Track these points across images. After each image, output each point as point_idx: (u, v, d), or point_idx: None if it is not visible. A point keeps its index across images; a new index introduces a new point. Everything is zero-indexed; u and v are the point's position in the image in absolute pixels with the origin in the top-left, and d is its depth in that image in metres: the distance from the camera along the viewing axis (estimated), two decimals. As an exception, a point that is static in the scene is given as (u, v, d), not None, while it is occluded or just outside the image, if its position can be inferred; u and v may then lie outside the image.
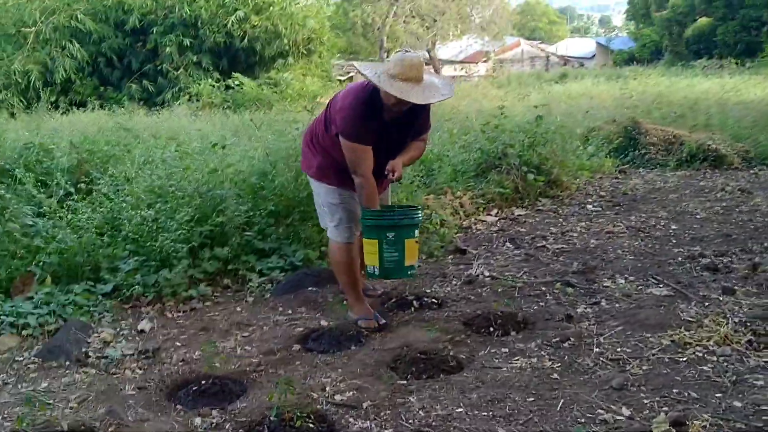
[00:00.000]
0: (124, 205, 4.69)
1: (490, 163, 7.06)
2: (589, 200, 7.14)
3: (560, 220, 6.30)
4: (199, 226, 4.66)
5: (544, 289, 4.36)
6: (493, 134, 7.39)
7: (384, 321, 3.86)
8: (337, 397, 3.06)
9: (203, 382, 3.20)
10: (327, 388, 3.14)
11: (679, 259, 4.92)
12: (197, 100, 15.41)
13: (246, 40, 18.11)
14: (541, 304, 4.11)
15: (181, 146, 5.90)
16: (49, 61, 17.74)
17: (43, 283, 4.26)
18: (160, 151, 5.59)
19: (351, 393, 3.09)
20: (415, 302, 4.18)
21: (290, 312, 4.17)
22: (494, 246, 5.48)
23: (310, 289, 4.44)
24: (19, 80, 17.15)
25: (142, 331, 3.93)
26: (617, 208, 6.74)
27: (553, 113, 10.46)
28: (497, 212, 6.46)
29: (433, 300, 4.25)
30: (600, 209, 6.70)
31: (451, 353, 3.47)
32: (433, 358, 3.40)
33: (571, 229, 5.91)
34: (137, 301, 4.36)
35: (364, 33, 32.96)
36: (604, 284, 4.42)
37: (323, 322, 3.95)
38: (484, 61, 38.35)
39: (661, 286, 4.35)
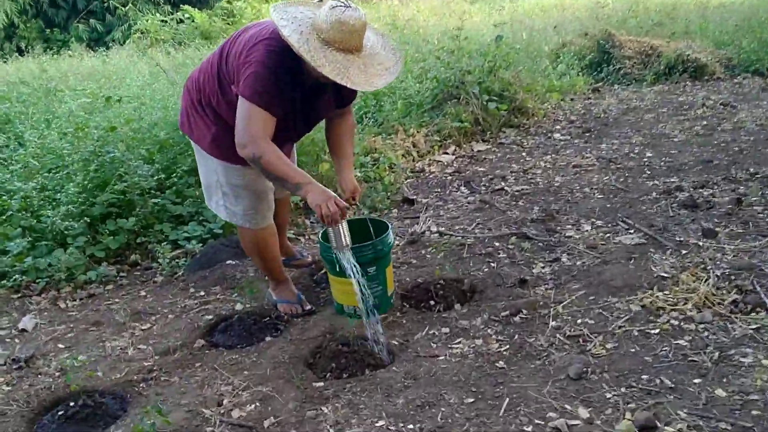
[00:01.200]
0: (9, 176, 4.01)
1: (447, 93, 6.36)
2: (557, 128, 6.48)
3: (523, 154, 5.67)
4: (97, 195, 4.00)
5: (497, 245, 3.77)
6: (451, 59, 6.65)
7: (309, 306, 3.26)
8: (235, 413, 2.50)
9: (73, 402, 2.63)
10: (225, 401, 2.58)
11: (654, 194, 4.33)
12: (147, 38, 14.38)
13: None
14: (492, 265, 3.53)
15: (95, 97, 5.15)
16: (-11, 5, 16.59)
17: None
18: (66, 106, 4.84)
19: (253, 406, 2.53)
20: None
21: (203, 294, 3.57)
22: (447, 192, 4.85)
23: (228, 262, 3.83)
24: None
25: (24, 330, 3.33)
26: (587, 135, 6.09)
27: (521, 30, 9.69)
28: (455, 150, 5.81)
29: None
30: (568, 138, 6.05)
31: (381, 340, 2.90)
32: (357, 349, 2.82)
33: (535, 164, 5.28)
34: (27, 289, 3.75)
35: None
36: (567, 233, 3.84)
37: (238, 306, 3.36)
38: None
39: (631, 231, 3.78)
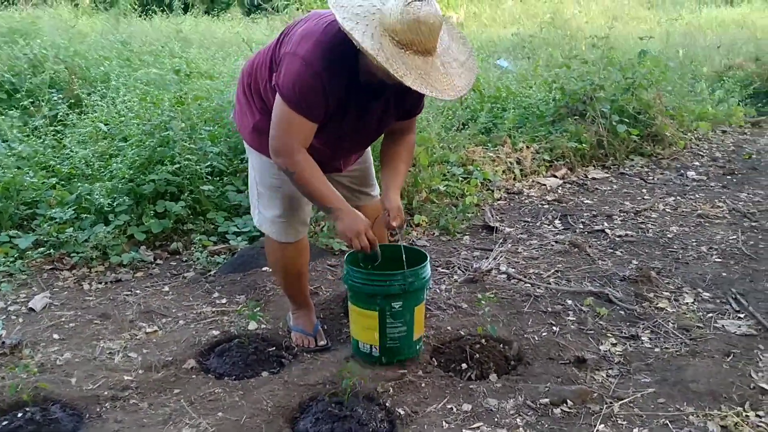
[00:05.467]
0: (68, 140, 3.84)
1: (572, 108, 5.66)
2: (695, 164, 5.61)
3: (643, 190, 4.90)
4: (151, 172, 3.75)
5: (569, 303, 3.16)
6: (585, 70, 5.94)
7: (323, 342, 2.82)
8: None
9: (27, 410, 2.34)
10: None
11: (787, 270, 3.53)
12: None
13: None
14: (554, 329, 2.93)
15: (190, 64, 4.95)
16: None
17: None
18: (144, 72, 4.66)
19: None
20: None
21: (224, 301, 3.22)
22: (537, 223, 4.23)
23: (265, 269, 3.46)
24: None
25: (32, 310, 3.12)
26: (728, 178, 5.21)
27: (681, 44, 8.68)
28: (565, 174, 5.14)
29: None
30: (704, 178, 5.20)
31: (386, 404, 2.42)
32: (353, 414, 2.34)
33: (652, 205, 4.52)
34: (60, 262, 3.56)
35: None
36: (659, 304, 3.16)
37: (252, 325, 2.96)
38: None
39: (741, 315, 3.05)
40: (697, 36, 10.89)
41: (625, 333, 2.89)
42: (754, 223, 4.19)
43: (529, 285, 3.33)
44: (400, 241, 2.63)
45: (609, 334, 2.88)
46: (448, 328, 2.93)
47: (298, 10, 14.04)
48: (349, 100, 2.36)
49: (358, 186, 2.86)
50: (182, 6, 16.96)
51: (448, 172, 4.51)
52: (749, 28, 11.79)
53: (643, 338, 2.86)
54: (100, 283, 3.41)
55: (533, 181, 4.94)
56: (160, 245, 3.80)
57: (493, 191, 4.65)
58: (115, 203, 3.61)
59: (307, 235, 2.80)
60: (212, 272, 3.51)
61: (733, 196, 4.75)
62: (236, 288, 3.34)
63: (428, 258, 2.66)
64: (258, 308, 3.11)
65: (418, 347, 2.70)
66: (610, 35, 7.03)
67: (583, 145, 5.30)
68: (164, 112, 3.87)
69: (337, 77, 2.26)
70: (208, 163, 3.82)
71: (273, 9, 16.04)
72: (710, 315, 3.06)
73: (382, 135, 2.67)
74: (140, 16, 13.75)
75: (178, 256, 3.72)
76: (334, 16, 2.21)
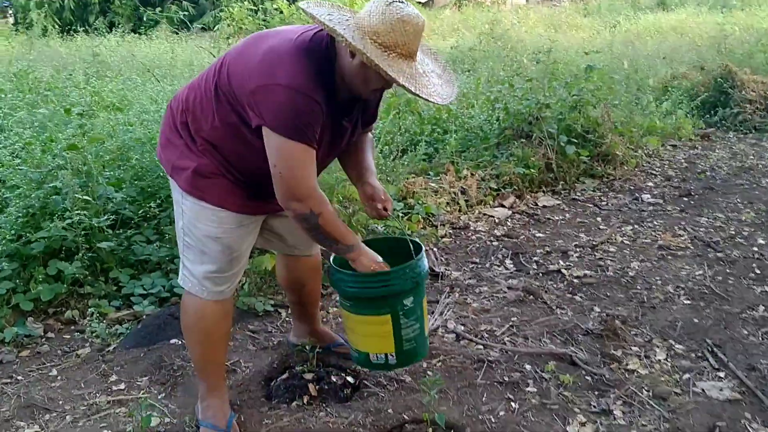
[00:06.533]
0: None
1: (518, 129, 5.29)
2: (649, 184, 5.29)
3: (598, 219, 4.54)
4: (40, 228, 3.21)
5: (528, 368, 2.73)
6: (528, 87, 5.58)
7: (239, 438, 2.35)
8: None
9: None
10: None
11: (762, 310, 3.19)
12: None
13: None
14: (513, 405, 2.50)
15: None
16: (85, -22, 16.56)
17: None
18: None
19: None
20: (312, 383, 2.63)
21: (122, 387, 2.69)
22: (487, 265, 3.81)
23: (173, 341, 2.95)
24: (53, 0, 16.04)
25: None
26: (685, 201, 4.89)
27: (624, 55, 8.45)
28: (513, 202, 4.74)
29: (347, 379, 2.69)
30: (660, 201, 4.87)
31: None
32: None
33: (609, 237, 4.15)
34: (-72, 343, 2.99)
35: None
36: (629, 364, 2.76)
37: (154, 420, 2.45)
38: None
39: (722, 374, 2.68)
40: (638, 44, 10.72)
41: (594, 406, 2.48)
42: (719, 254, 3.86)
43: (482, 347, 2.90)
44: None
45: (576, 409, 2.47)
46: (389, 411, 2.47)
47: (229, 26, 13.54)
48: (327, 120, 2.08)
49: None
50: (108, 24, 16.29)
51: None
52: (688, 34, 11.71)
53: (615, 413, 2.45)
54: (-26, 367, 2.86)
55: (480, 213, 4.53)
56: (54, 313, 3.25)
57: (437, 227, 4.22)
58: (-6, 268, 3.05)
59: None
60: (111, 347, 2.97)
61: (693, 222, 4.42)
62: (138, 368, 2.81)
63: (422, 246, 2.43)
64: (163, 394, 2.62)
65: (428, 343, 2.52)
66: (552, 48, 6.73)
67: (531, 170, 4.93)
68: (54, 158, 3.33)
69: (326, 95, 2.03)
70: (107, 215, 3.28)
71: (204, 27, 15.51)
72: (687, 376, 2.67)
73: None
74: (61, 36, 13.05)
75: (74, 326, 3.17)
76: (282, 35, 2.08)
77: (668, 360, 2.81)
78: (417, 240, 2.47)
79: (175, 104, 2.27)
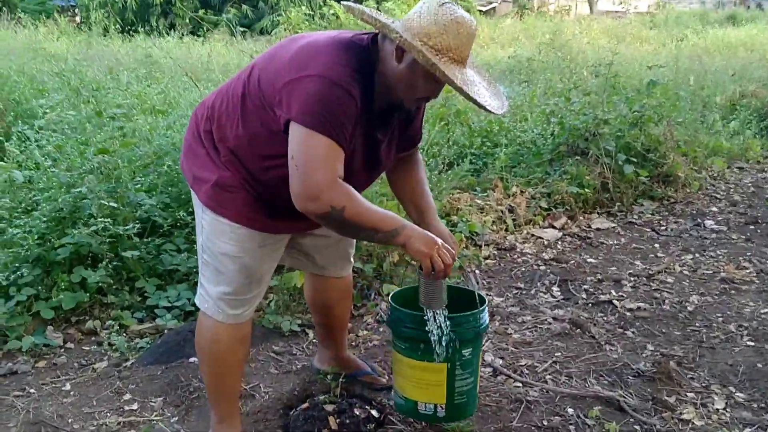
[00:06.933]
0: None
1: (573, 146, 5.02)
2: (713, 209, 4.95)
3: (656, 245, 4.24)
4: (65, 235, 3.11)
5: (570, 413, 2.49)
6: (585, 101, 5.31)
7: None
8: None
9: None
10: None
11: (839, 359, 2.87)
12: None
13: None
14: (550, 455, 2.26)
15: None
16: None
17: None
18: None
19: None
20: (333, 416, 2.44)
21: (135, 407, 2.55)
22: (532, 291, 3.56)
23: (192, 360, 2.80)
24: (116, 0, 16.30)
25: None
26: (751, 228, 4.55)
27: (690, 71, 8.07)
28: (565, 223, 4.48)
29: (372, 413, 2.49)
30: (724, 228, 4.54)
31: None
32: None
33: (668, 266, 3.86)
34: (-56, 350, 2.91)
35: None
36: (683, 413, 2.49)
37: (159, 449, 2.30)
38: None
39: (791, 433, 2.38)
40: (705, 59, 10.28)
41: (641, 463, 2.23)
42: (789, 289, 3.54)
43: (520, 385, 2.66)
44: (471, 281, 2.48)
45: (620, 466, 2.22)
46: (414, 452, 2.27)
47: (285, 30, 13.54)
48: (359, 128, 1.89)
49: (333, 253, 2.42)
50: (168, 25, 16.49)
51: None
52: (759, 50, 11.19)
53: (665, 472, 2.19)
54: (-12, 378, 2.75)
55: (528, 234, 4.28)
56: (77, 322, 3.14)
57: (480, 247, 3.99)
58: (15, 275, 2.95)
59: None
60: (128, 362, 2.84)
61: (760, 253, 4.09)
62: (154, 387, 2.66)
63: (485, 299, 2.28)
64: (176, 417, 2.47)
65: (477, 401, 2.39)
66: (614, 60, 6.43)
67: (586, 189, 4.65)
68: (85, 162, 3.23)
69: (363, 95, 1.84)
70: (135, 223, 3.16)
71: (260, 31, 15.59)
72: (748, 430, 2.39)
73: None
74: (121, 37, 13.22)
75: (94, 337, 3.05)
76: (318, 34, 1.94)
77: (727, 410, 2.52)
78: (482, 294, 2.31)
79: (200, 110, 2.10)
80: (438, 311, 2.05)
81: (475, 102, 1.80)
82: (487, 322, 2.26)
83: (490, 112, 1.86)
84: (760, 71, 8.85)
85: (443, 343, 2.06)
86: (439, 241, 1.93)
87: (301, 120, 1.78)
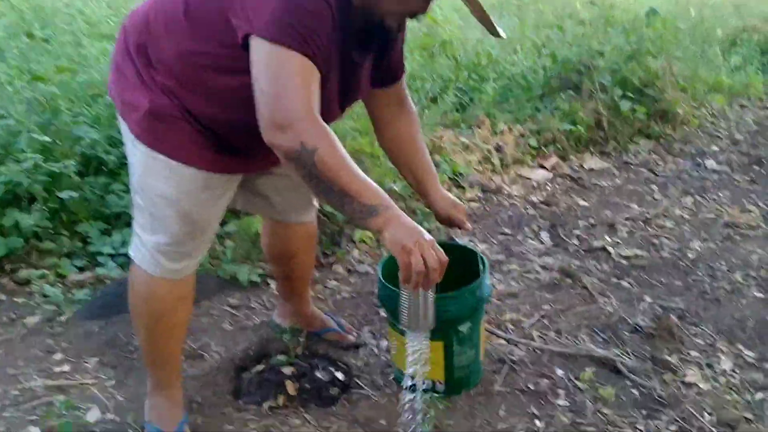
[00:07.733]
0: None
1: (565, 79, 4.66)
2: (714, 149, 4.63)
3: (653, 187, 3.93)
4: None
5: (560, 374, 2.21)
6: (580, 32, 4.93)
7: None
8: None
9: None
10: None
11: None
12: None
13: None
14: (536, 424, 1.98)
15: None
16: None
17: None
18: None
19: None
20: (290, 380, 2.15)
21: (67, 368, 2.25)
22: (519, 237, 3.25)
23: (134, 315, 2.49)
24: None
25: None
26: (755, 169, 4.24)
27: (692, 3, 7.64)
28: (555, 163, 4.14)
29: (336, 375, 2.20)
30: (726, 169, 4.23)
31: None
32: None
33: (666, 210, 3.56)
34: None
35: None
36: (687, 375, 2.21)
37: (92, 414, 2.00)
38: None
39: (807, 394, 2.12)
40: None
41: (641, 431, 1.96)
42: (797, 234, 3.25)
43: (504, 342, 2.37)
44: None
45: (616, 434, 1.95)
46: (382, 421, 1.99)
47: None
48: (334, 46, 1.54)
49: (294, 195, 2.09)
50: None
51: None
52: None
53: (665, 443, 1.92)
54: None
55: (516, 174, 3.95)
56: (11, 270, 2.81)
57: (464, 189, 3.67)
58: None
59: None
60: (63, 317, 2.52)
61: (766, 195, 3.80)
62: (90, 345, 2.36)
63: (485, 261, 2.05)
64: (112, 381, 2.18)
65: (482, 367, 2.19)
66: (610, -10, 6.03)
67: (579, 127, 4.31)
68: (16, 92, 2.85)
69: (339, 3, 1.49)
70: (73, 160, 2.80)
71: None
72: (760, 395, 2.12)
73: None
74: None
75: (29, 288, 2.73)
76: None
77: (736, 371, 2.26)
78: (484, 256, 2.07)
79: (130, 21, 1.71)
80: (415, 332, 1.66)
81: (482, 12, 1.49)
82: (489, 290, 2.04)
83: (496, 33, 1.56)
84: (762, 5, 8.42)
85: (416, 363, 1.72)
86: (428, 237, 1.45)
87: (266, 33, 1.41)
